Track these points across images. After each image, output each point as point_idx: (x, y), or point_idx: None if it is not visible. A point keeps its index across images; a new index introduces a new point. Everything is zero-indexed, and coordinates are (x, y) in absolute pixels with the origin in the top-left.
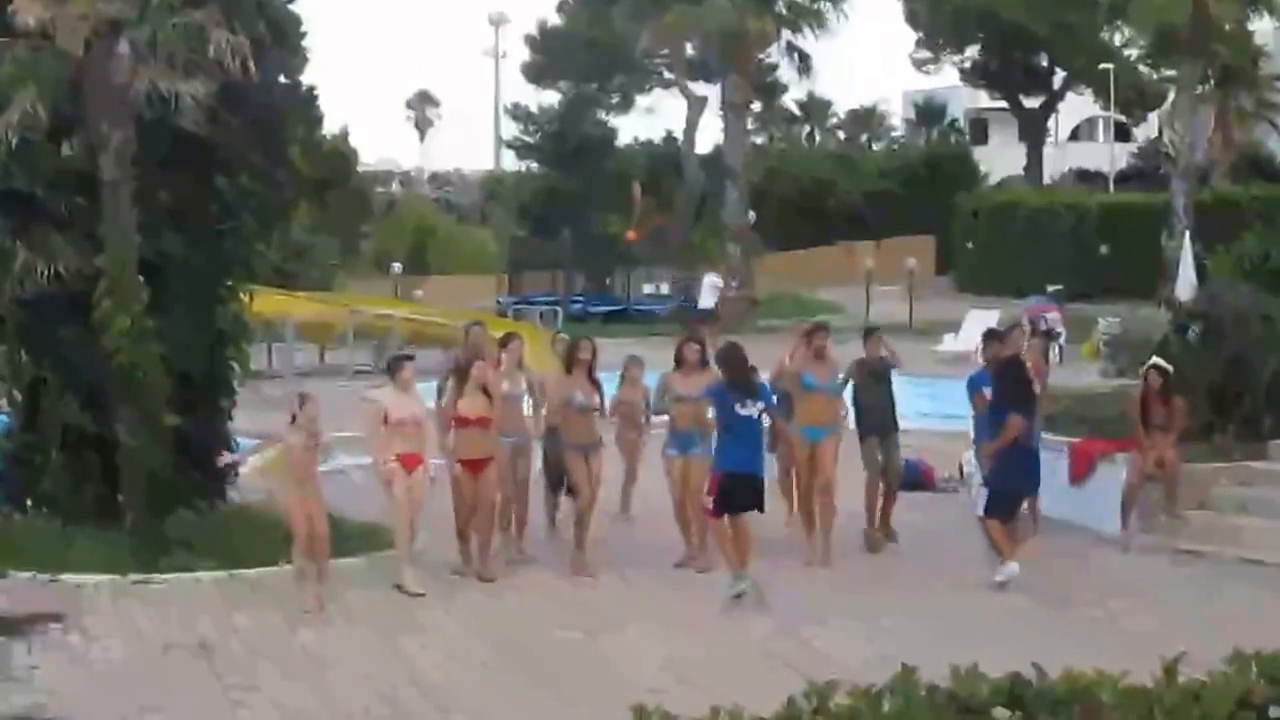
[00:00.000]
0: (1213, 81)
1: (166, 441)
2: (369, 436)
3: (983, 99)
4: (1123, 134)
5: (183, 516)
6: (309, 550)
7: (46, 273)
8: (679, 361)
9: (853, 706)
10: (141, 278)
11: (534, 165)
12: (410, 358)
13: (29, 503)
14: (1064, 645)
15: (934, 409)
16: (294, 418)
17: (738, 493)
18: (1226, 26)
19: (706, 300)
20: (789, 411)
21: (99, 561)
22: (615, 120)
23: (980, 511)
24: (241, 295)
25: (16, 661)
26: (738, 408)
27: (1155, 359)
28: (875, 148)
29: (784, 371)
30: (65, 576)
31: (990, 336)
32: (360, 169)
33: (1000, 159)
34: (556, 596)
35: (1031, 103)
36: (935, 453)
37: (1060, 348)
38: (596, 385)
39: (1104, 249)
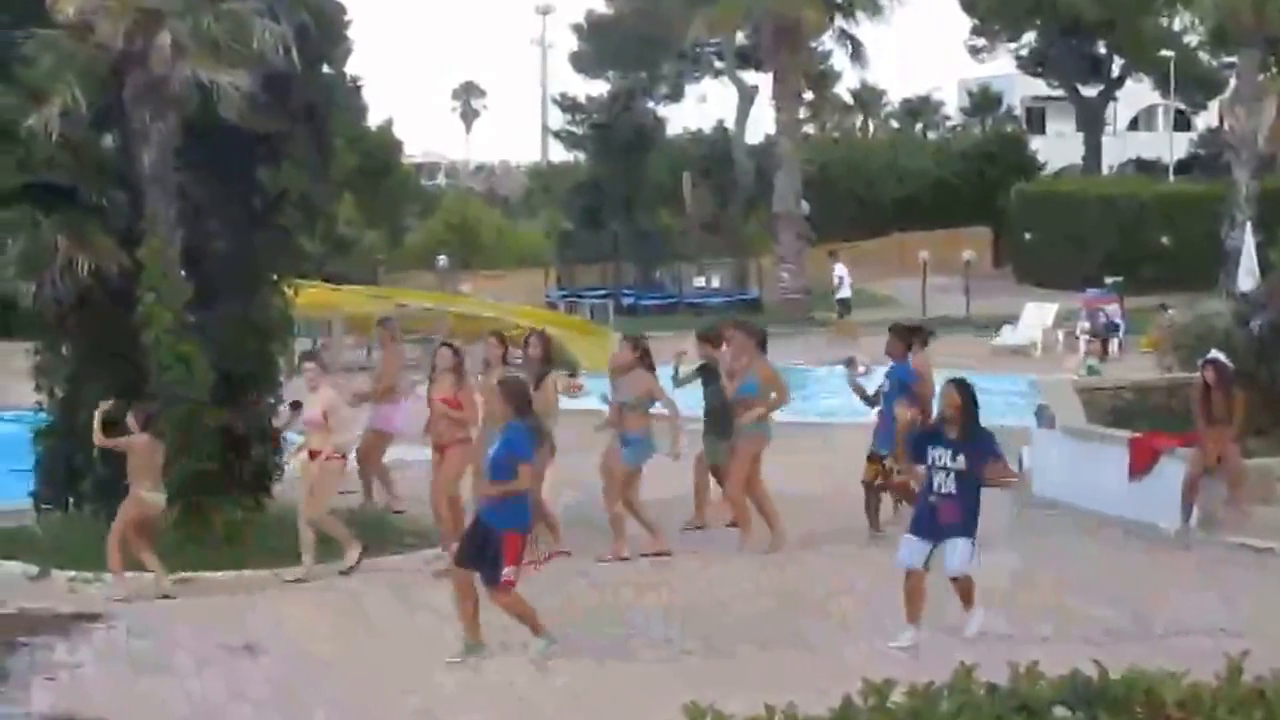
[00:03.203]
0: (1275, 68)
1: (210, 438)
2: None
3: (1040, 87)
4: (1183, 123)
5: (226, 514)
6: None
7: (87, 267)
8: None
9: (910, 705)
10: (183, 272)
11: (582, 156)
12: (312, 356)
13: (70, 501)
14: (1124, 643)
15: (988, 404)
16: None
17: None
18: None
19: (844, 290)
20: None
21: (141, 560)
22: (665, 110)
23: None
24: (285, 289)
25: (59, 661)
26: None
27: (1214, 352)
28: (930, 137)
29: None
30: (107, 575)
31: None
32: (405, 161)
33: (1058, 148)
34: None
35: (1090, 91)
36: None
37: (1120, 340)
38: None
39: (1164, 240)
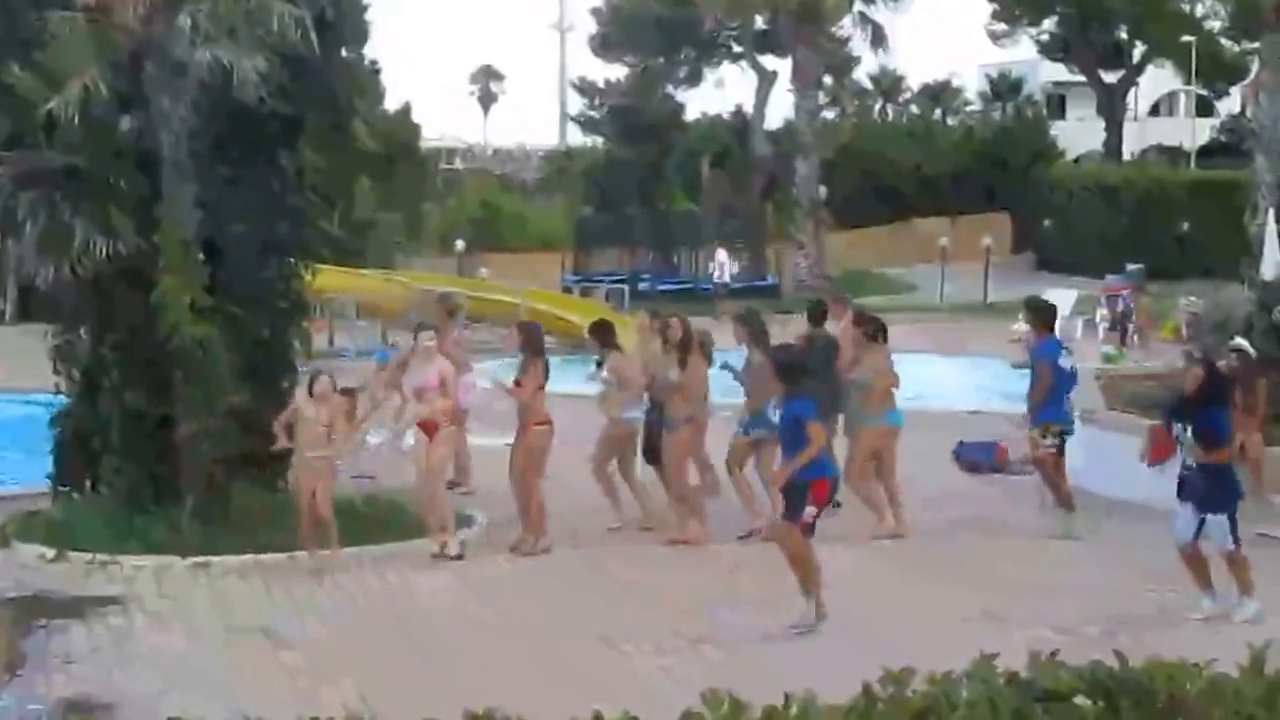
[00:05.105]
0: None
1: (228, 421)
2: None
3: (1060, 72)
4: (1205, 108)
5: (243, 498)
6: (309, 530)
7: (105, 250)
8: None
9: (929, 693)
10: (201, 254)
11: (600, 140)
12: (428, 326)
13: (88, 484)
14: (1146, 631)
15: (1012, 390)
16: (311, 391)
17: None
18: None
19: (723, 276)
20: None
21: (158, 543)
22: (683, 95)
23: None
24: (303, 273)
25: (74, 644)
26: None
27: (1237, 340)
28: (950, 122)
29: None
30: (124, 559)
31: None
32: (423, 144)
33: (1078, 134)
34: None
35: (1111, 76)
36: (1011, 435)
37: (1135, 327)
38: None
39: (1186, 226)
